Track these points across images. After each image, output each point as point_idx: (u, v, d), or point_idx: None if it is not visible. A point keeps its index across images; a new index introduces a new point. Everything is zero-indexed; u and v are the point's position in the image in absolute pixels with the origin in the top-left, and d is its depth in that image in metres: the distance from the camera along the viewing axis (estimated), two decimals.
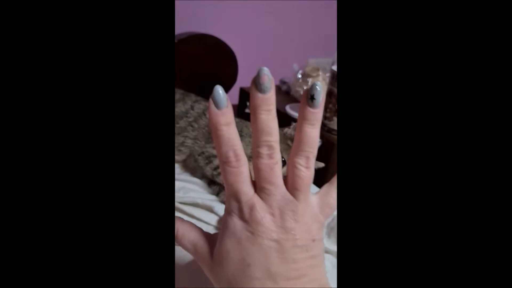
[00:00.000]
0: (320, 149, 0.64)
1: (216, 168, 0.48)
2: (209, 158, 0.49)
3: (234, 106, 1.13)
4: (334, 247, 0.39)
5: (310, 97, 0.21)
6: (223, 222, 0.23)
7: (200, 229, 0.25)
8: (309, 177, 0.22)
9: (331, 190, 0.24)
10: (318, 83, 0.22)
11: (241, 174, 0.22)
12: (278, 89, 1.09)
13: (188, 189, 0.49)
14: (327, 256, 0.29)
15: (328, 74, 0.79)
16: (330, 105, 0.74)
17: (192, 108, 0.58)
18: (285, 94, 1.06)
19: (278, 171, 0.22)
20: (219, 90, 0.21)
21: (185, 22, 0.95)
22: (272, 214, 0.21)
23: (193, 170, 0.53)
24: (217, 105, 0.21)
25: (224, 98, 0.21)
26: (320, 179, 0.71)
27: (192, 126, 0.55)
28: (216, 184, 0.49)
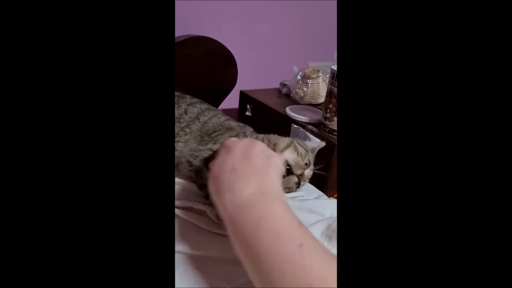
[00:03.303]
0: (322, 150, 0.63)
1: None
2: (200, 156, 0.50)
3: (234, 110, 1.12)
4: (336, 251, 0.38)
5: None
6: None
7: None
8: None
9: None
10: None
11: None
12: (278, 92, 1.09)
13: (178, 193, 0.49)
14: None
15: (328, 75, 0.79)
16: (331, 105, 0.73)
17: (185, 112, 0.58)
18: (285, 96, 1.05)
19: None
20: None
21: (184, 25, 0.95)
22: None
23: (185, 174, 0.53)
24: None
25: None
26: (323, 180, 0.70)
27: (184, 131, 0.55)
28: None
